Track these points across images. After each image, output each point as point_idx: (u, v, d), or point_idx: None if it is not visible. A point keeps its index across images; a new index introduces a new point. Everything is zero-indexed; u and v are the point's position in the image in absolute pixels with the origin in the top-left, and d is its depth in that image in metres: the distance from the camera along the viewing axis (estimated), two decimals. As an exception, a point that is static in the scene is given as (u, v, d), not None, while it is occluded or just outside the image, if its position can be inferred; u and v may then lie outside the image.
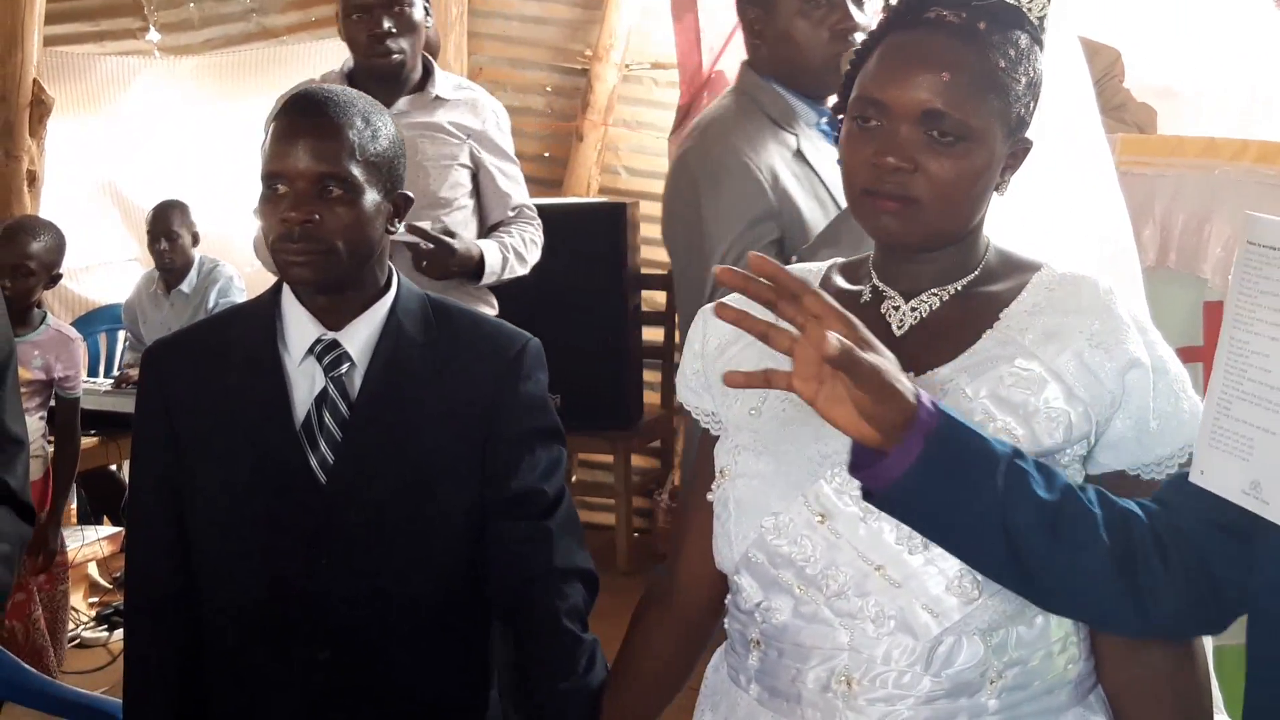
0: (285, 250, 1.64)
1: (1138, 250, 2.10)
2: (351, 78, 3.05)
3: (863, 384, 1.15)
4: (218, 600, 1.73)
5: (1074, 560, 1.22)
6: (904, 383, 1.18)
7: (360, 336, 1.72)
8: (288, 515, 1.69)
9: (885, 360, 1.18)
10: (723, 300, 1.29)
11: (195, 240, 4.85)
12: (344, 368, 1.70)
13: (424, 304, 1.78)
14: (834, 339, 1.13)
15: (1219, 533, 1.22)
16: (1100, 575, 1.23)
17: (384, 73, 2.98)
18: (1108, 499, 1.26)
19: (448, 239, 2.90)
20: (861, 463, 1.20)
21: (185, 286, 4.87)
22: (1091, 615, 1.31)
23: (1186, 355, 3.04)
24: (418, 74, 3.07)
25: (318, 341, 1.71)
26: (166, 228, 4.75)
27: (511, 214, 3.17)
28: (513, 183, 3.19)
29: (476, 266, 2.98)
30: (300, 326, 1.72)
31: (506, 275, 3.08)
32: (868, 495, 1.22)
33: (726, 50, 4.77)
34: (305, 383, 1.71)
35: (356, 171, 1.65)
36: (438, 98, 3.07)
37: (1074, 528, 1.21)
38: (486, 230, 3.18)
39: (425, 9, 3.04)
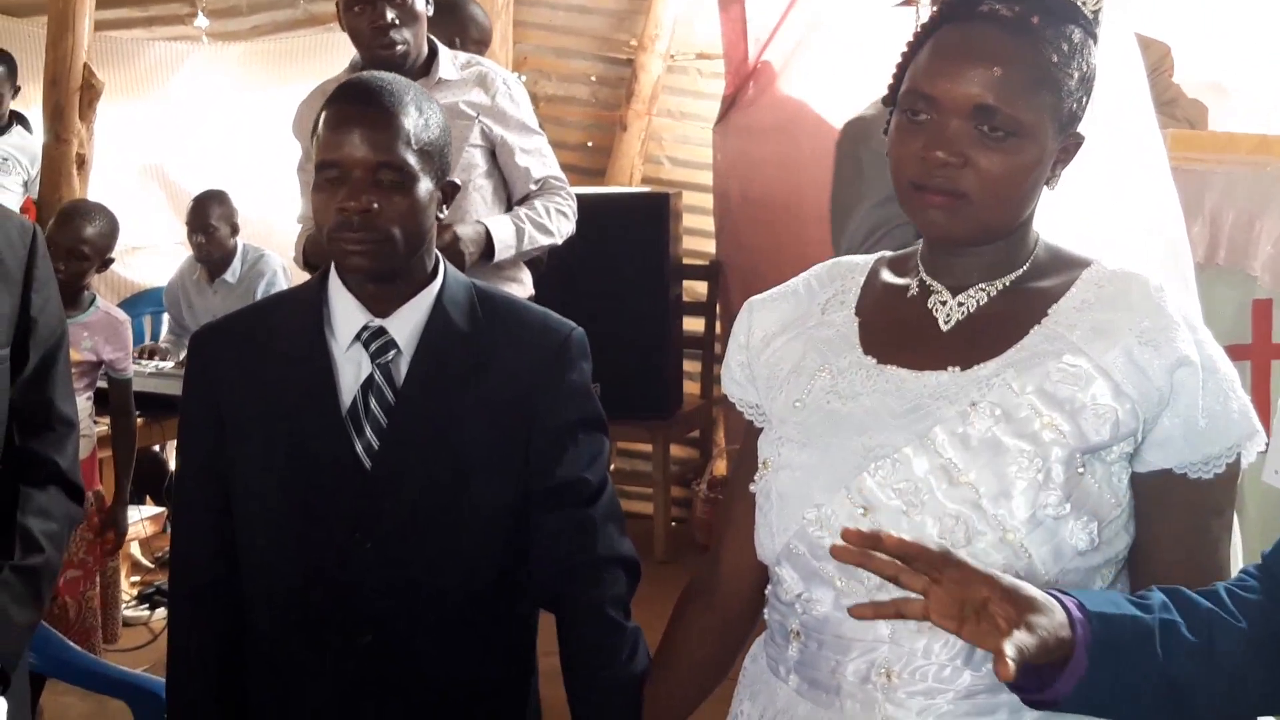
0: (343, 239, 1.65)
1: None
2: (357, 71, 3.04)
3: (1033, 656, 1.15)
4: (258, 585, 1.74)
5: (1232, 683, 1.23)
6: (1057, 617, 1.17)
7: (408, 324, 1.72)
8: (331, 501, 1.70)
9: (1042, 617, 1.16)
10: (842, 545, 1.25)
11: (234, 230, 4.87)
12: (391, 355, 1.71)
13: (470, 292, 1.79)
14: (1010, 648, 1.11)
15: None
16: (1255, 681, 1.24)
17: (388, 64, 2.92)
18: (1235, 595, 1.27)
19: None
20: (1027, 687, 1.20)
21: (230, 276, 4.91)
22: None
23: (1235, 353, 3.01)
24: (422, 59, 3.03)
25: (365, 328, 1.71)
26: (204, 221, 4.79)
27: (535, 187, 3.09)
28: (532, 155, 3.10)
29: (486, 245, 2.92)
30: (347, 313, 1.72)
31: (527, 246, 3.00)
32: (1034, 704, 1.23)
33: (773, 42, 4.76)
34: (351, 369, 1.71)
35: (411, 160, 1.66)
36: (441, 80, 3.02)
37: (1227, 654, 1.22)
38: (515, 203, 3.11)
39: None
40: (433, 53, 3.07)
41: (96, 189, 4.62)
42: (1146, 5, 3.75)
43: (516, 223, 2.98)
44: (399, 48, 2.93)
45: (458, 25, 3.64)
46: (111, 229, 3.84)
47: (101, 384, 3.86)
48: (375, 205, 1.63)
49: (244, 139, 5.75)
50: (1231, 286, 3.02)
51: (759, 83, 4.86)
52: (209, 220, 4.80)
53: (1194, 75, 4.26)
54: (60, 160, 3.70)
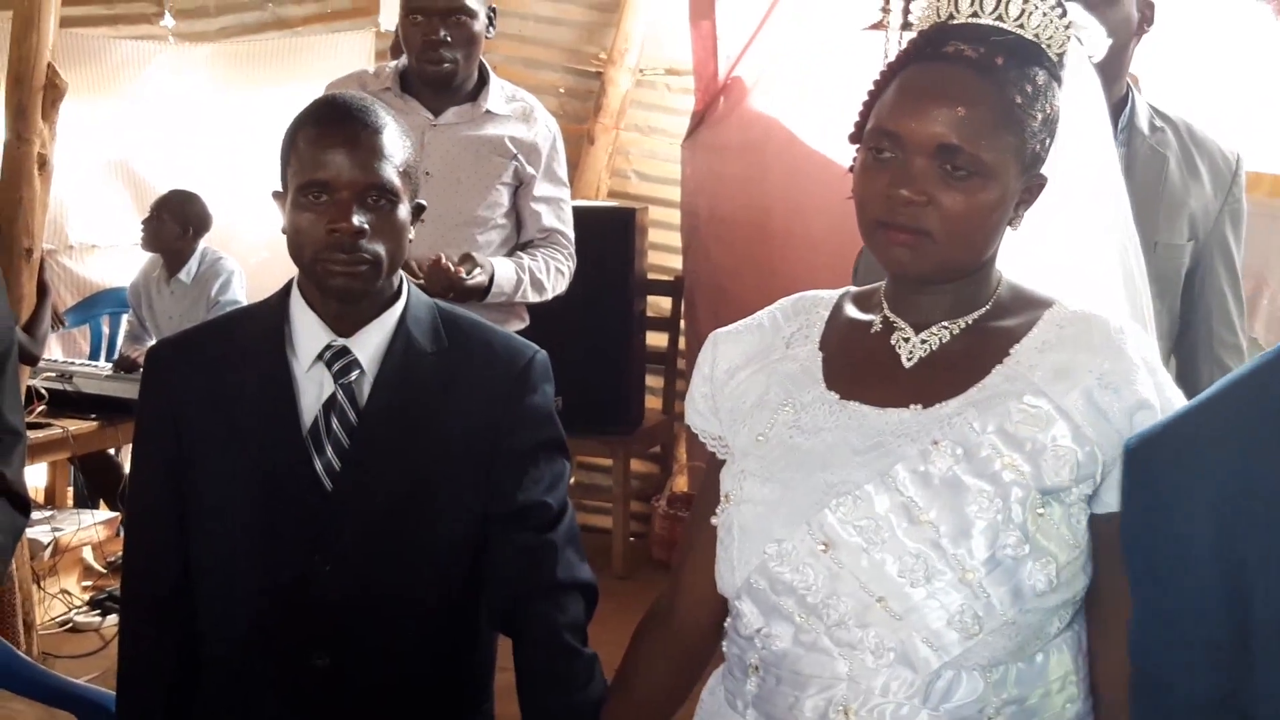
0: (331, 260, 1.64)
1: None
2: (404, 77, 3.02)
3: None
4: (215, 603, 1.73)
5: None
6: None
7: (371, 344, 1.72)
8: (291, 520, 1.68)
9: None
10: None
11: (186, 230, 4.91)
12: (354, 375, 1.70)
13: (433, 313, 1.78)
14: None
15: None
16: None
17: (434, 80, 2.95)
18: None
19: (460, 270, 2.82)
20: None
21: (184, 275, 4.95)
22: None
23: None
24: (471, 83, 3.02)
25: (328, 348, 1.70)
26: (156, 210, 4.95)
27: (540, 235, 3.08)
28: (550, 205, 3.09)
29: (485, 286, 2.90)
30: (309, 332, 1.71)
31: (518, 298, 2.98)
32: None
33: (743, 58, 4.77)
34: (313, 388, 1.70)
35: (396, 180, 1.66)
36: (488, 112, 3.01)
37: None
38: (516, 246, 3.09)
39: (489, 20, 2.99)
40: (483, 79, 3.05)
41: (58, 187, 4.57)
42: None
43: (519, 272, 2.96)
44: (445, 65, 2.92)
45: None
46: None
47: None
48: (367, 227, 1.63)
49: (210, 140, 5.71)
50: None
51: (729, 99, 4.86)
52: (161, 211, 4.94)
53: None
54: (22, 160, 3.63)
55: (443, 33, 2.89)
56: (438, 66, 2.92)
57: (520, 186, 3.06)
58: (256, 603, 1.70)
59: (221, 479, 1.71)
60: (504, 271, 2.94)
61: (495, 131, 3.01)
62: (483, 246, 3.00)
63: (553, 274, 3.05)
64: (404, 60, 3.04)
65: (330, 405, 1.70)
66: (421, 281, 2.74)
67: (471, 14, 2.92)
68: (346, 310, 1.71)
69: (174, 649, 1.74)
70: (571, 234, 3.14)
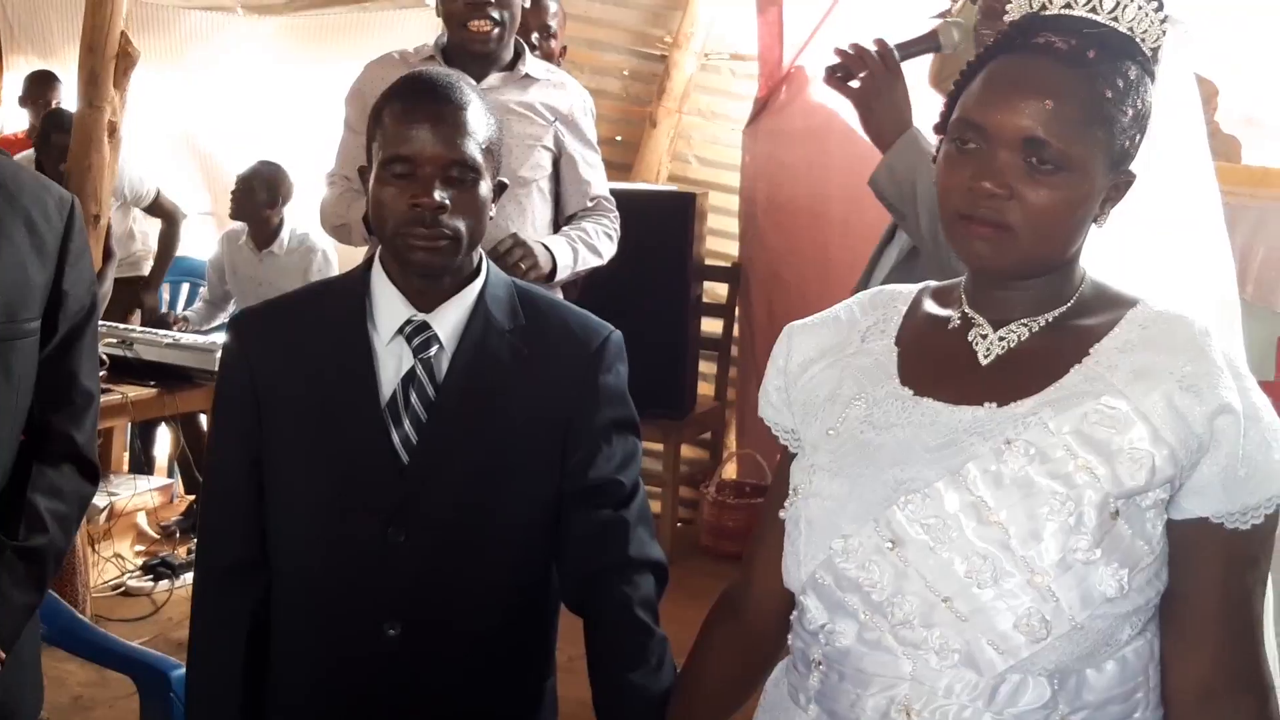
0: (412, 234, 1.65)
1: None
2: (445, 52, 3.05)
3: None
4: (290, 571, 1.74)
5: None
6: None
7: (450, 320, 1.72)
8: (367, 493, 1.69)
9: None
10: None
11: (273, 201, 5.11)
12: (433, 350, 1.71)
13: (511, 291, 1.79)
14: None
15: None
16: None
17: (477, 43, 2.98)
18: None
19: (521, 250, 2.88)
20: None
21: (277, 248, 5.15)
22: None
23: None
24: (509, 54, 3.08)
25: (408, 322, 1.71)
26: (246, 180, 5.16)
27: (590, 204, 3.15)
28: (594, 171, 3.17)
29: (550, 268, 2.97)
30: (391, 306, 1.72)
31: (581, 268, 3.06)
32: None
33: (808, 47, 4.74)
34: (393, 362, 1.71)
35: (479, 157, 1.67)
36: (528, 75, 3.07)
37: None
38: (564, 219, 3.15)
39: None
40: (518, 51, 3.10)
41: (125, 155, 4.63)
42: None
43: (572, 245, 3.02)
44: (494, 30, 2.96)
45: None
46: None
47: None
48: (449, 203, 1.64)
49: (277, 113, 5.76)
50: (1258, 322, 3.00)
51: (791, 87, 4.83)
52: (251, 181, 5.16)
53: (1228, 106, 4.24)
54: (92, 127, 3.69)
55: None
56: (485, 31, 2.95)
57: (561, 155, 3.12)
58: (330, 570, 1.71)
59: (299, 448, 1.71)
60: (561, 252, 2.99)
61: (538, 96, 3.08)
62: (528, 209, 3.05)
63: (602, 237, 3.11)
64: (443, 37, 3.10)
65: (409, 379, 1.70)
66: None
67: None
68: (427, 285, 1.72)
69: (249, 617, 1.75)
70: (611, 196, 3.21)
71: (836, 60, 2.23)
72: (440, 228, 1.64)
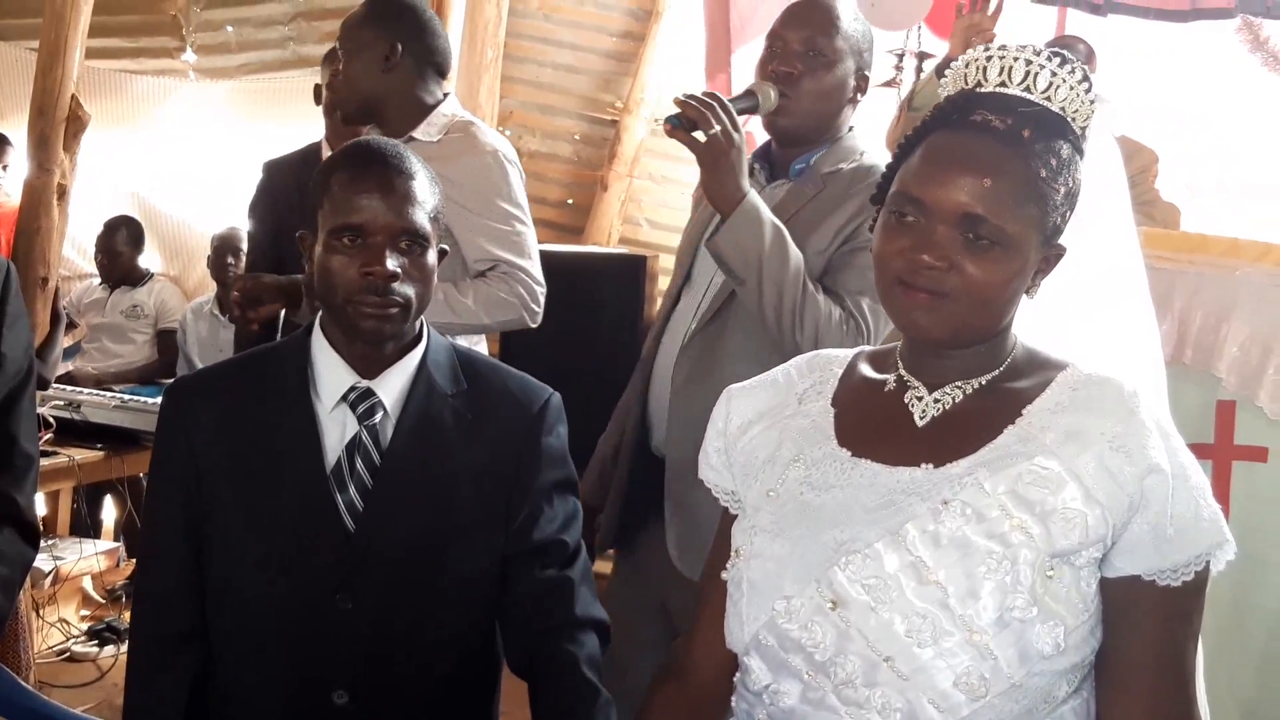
0: (365, 303, 1.66)
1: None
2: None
3: None
4: (233, 639, 1.73)
5: None
6: None
7: (394, 386, 1.74)
8: (312, 559, 1.69)
9: None
10: None
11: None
12: (378, 416, 1.72)
13: (452, 355, 1.81)
14: None
15: None
16: None
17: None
18: None
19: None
20: None
21: None
22: None
23: (1197, 452, 3.03)
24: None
25: (352, 389, 1.72)
26: (236, 247, 5.25)
27: (487, 267, 2.77)
28: (489, 237, 2.76)
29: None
30: (333, 373, 1.73)
31: (437, 319, 2.52)
32: None
33: (756, 113, 4.81)
34: (336, 429, 1.72)
35: (427, 225, 1.69)
36: (412, 139, 2.78)
37: None
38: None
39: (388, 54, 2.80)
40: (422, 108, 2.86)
41: (76, 218, 4.62)
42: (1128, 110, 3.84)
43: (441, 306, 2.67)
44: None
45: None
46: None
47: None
48: (400, 272, 1.66)
49: (229, 175, 5.77)
50: (1197, 386, 3.06)
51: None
52: (229, 245, 5.31)
53: (1170, 174, 4.34)
54: (42, 190, 3.68)
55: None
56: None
57: (452, 223, 2.67)
58: (276, 640, 1.70)
59: (241, 516, 1.71)
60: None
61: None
62: None
63: (484, 301, 2.73)
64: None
65: (354, 446, 1.71)
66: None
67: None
68: (372, 352, 1.73)
69: (185, 689, 1.72)
70: (528, 263, 2.80)
71: (678, 112, 2.17)
72: (392, 295, 1.66)
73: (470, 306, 2.74)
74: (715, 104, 2.17)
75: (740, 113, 2.25)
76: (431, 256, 1.71)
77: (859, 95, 2.43)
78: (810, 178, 2.37)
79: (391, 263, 1.65)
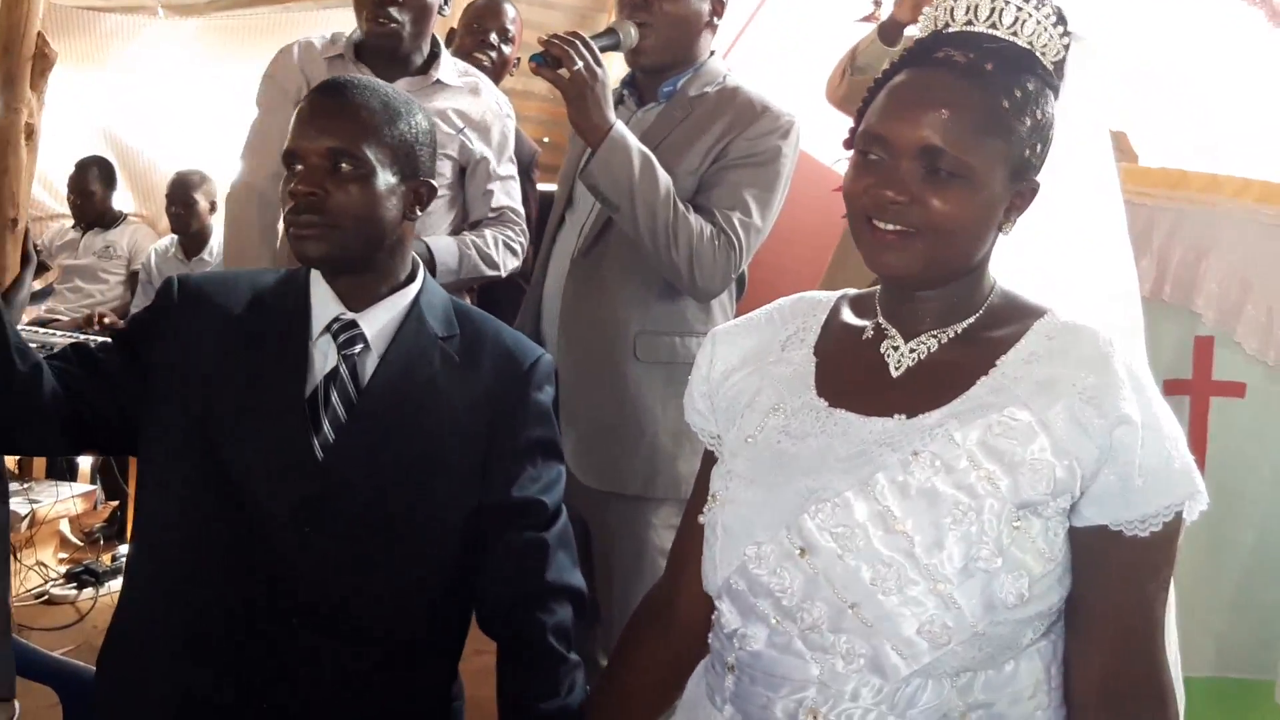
0: (293, 224, 1.66)
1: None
2: (358, 48, 3.00)
3: None
4: (184, 558, 1.67)
5: None
6: None
7: (379, 320, 1.73)
8: (277, 486, 1.65)
9: None
10: None
11: (213, 209, 5.10)
12: (358, 348, 1.71)
13: (447, 303, 1.81)
14: None
15: None
16: None
17: (382, 44, 2.91)
18: None
19: None
20: None
21: (206, 255, 5.11)
22: None
23: (1175, 388, 3.04)
24: (422, 55, 2.98)
25: (336, 319, 1.72)
26: (186, 195, 5.21)
27: (492, 214, 3.01)
28: (500, 182, 3.03)
29: (427, 265, 2.80)
30: (323, 303, 1.73)
31: (466, 274, 2.91)
32: None
33: (737, 43, 4.77)
34: (319, 359, 1.71)
35: (369, 151, 1.67)
36: (439, 82, 2.97)
37: None
38: (467, 227, 3.03)
39: None
40: (434, 54, 3.00)
41: (45, 157, 4.56)
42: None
43: (462, 248, 2.89)
44: (391, 25, 2.87)
45: None
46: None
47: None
48: (322, 191, 1.65)
49: (200, 113, 5.71)
50: (1175, 322, 3.06)
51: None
52: (191, 194, 5.22)
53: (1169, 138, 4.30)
54: (9, 130, 3.61)
55: None
56: (384, 27, 2.87)
57: (468, 164, 2.99)
58: (233, 562, 1.65)
59: (211, 419, 1.67)
60: (444, 251, 2.86)
61: (446, 103, 2.96)
62: (428, 213, 2.97)
63: (501, 249, 2.97)
64: (357, 31, 3.01)
65: (332, 377, 1.70)
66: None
67: None
68: (353, 285, 1.73)
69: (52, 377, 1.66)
70: (520, 208, 3.07)
71: (542, 50, 2.29)
72: (316, 215, 1.65)
73: (495, 258, 2.94)
74: (578, 42, 2.31)
75: (602, 49, 2.38)
76: (379, 182, 1.68)
77: (715, 20, 2.58)
78: (679, 102, 2.53)
79: (314, 183, 1.65)
